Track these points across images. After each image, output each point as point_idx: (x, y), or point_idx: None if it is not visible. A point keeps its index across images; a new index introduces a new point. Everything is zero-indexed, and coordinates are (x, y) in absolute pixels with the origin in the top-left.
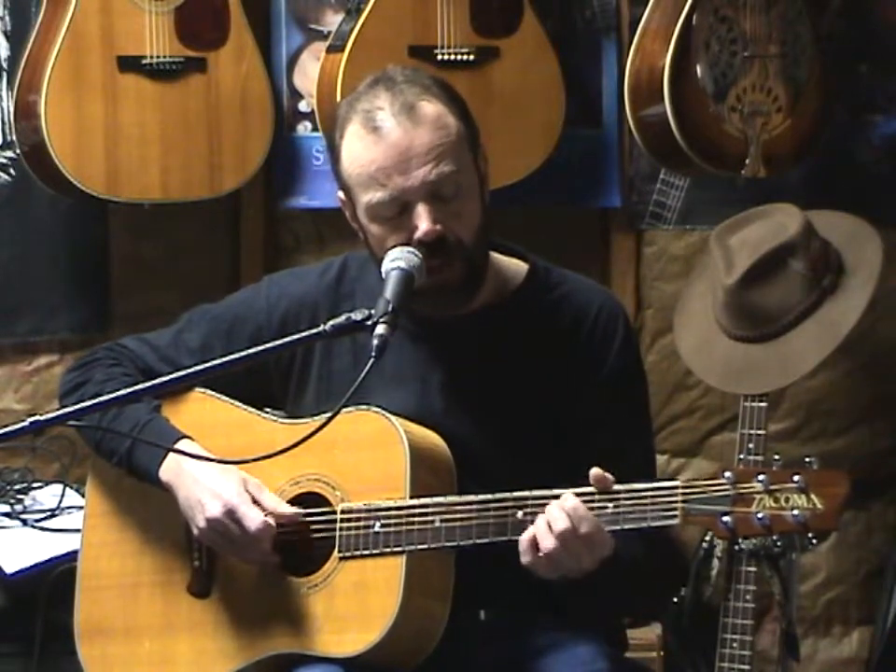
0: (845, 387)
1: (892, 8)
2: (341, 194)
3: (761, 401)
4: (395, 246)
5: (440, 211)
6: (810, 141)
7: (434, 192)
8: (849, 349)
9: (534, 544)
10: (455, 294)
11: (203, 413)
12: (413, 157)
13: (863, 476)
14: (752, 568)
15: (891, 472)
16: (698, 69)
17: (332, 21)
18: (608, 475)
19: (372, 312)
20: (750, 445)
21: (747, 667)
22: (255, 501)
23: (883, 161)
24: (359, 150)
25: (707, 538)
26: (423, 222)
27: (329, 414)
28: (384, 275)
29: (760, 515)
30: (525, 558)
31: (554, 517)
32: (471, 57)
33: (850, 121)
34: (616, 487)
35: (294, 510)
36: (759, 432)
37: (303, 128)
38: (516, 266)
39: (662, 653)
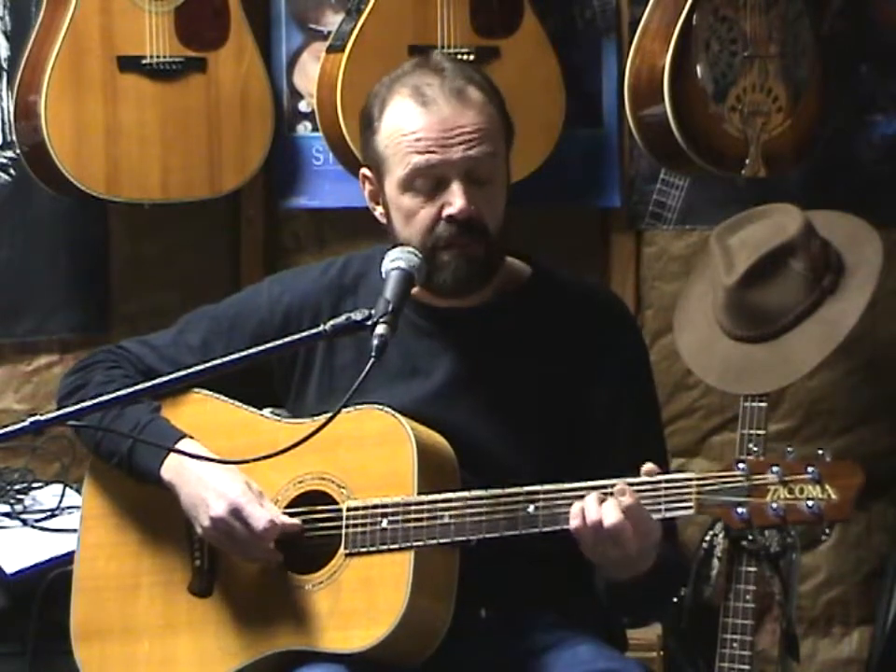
0: (845, 387)
1: (892, 8)
2: (365, 171)
3: (761, 401)
4: (393, 250)
5: (472, 193)
6: (810, 141)
7: (470, 172)
8: (849, 349)
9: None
10: (476, 270)
11: (204, 415)
12: (457, 134)
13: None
14: (752, 568)
15: (891, 472)
16: (698, 69)
17: (332, 21)
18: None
19: (372, 312)
20: (750, 445)
21: (747, 667)
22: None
23: (883, 161)
24: (405, 121)
25: (707, 538)
26: (458, 199)
27: (330, 414)
28: (384, 275)
29: (774, 506)
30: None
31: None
32: (471, 57)
33: (850, 121)
34: (631, 479)
35: (292, 521)
36: (759, 432)
37: (303, 128)
38: (521, 266)
39: (662, 653)
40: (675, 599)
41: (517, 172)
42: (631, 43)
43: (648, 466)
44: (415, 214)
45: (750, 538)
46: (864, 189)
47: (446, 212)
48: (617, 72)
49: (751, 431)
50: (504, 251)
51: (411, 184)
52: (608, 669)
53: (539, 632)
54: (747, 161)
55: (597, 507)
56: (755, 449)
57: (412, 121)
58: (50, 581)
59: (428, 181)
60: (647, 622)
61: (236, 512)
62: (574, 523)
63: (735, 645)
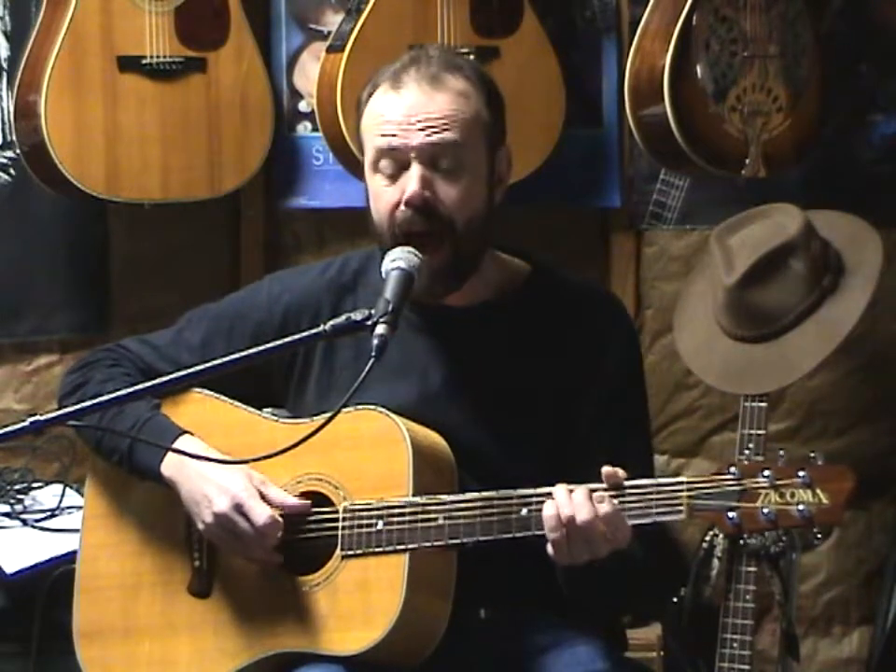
0: (845, 387)
1: (892, 8)
2: (361, 157)
3: (761, 401)
4: (394, 250)
5: (432, 180)
6: (810, 141)
7: (432, 158)
8: (849, 349)
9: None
10: (444, 276)
11: (203, 414)
12: (421, 119)
13: (863, 476)
14: (752, 568)
15: (891, 472)
16: (698, 69)
17: (332, 21)
18: (619, 471)
19: (372, 312)
20: (750, 445)
21: (747, 667)
22: (261, 495)
23: (883, 161)
24: (378, 105)
25: (707, 538)
26: (412, 183)
27: (329, 414)
28: (383, 275)
29: (766, 510)
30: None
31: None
32: (471, 57)
33: (850, 121)
34: (624, 483)
35: (301, 501)
36: (759, 432)
37: (303, 128)
38: (520, 265)
39: (662, 653)
40: (675, 599)
41: (517, 172)
42: (631, 43)
43: (605, 469)
44: (381, 196)
45: (746, 540)
46: (864, 189)
47: (403, 196)
48: (617, 72)
49: (751, 431)
50: (483, 249)
51: (376, 165)
52: (607, 669)
53: (538, 632)
54: (747, 161)
55: (573, 512)
56: (754, 449)
57: (383, 106)
58: (53, 581)
59: (391, 164)
60: (626, 609)
61: (238, 507)
62: (551, 527)
63: (735, 645)
